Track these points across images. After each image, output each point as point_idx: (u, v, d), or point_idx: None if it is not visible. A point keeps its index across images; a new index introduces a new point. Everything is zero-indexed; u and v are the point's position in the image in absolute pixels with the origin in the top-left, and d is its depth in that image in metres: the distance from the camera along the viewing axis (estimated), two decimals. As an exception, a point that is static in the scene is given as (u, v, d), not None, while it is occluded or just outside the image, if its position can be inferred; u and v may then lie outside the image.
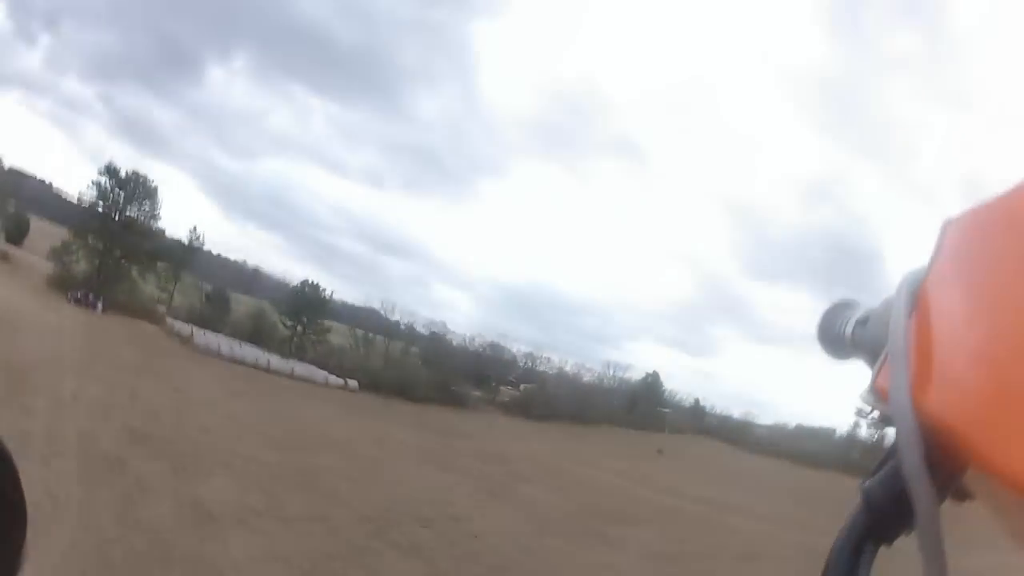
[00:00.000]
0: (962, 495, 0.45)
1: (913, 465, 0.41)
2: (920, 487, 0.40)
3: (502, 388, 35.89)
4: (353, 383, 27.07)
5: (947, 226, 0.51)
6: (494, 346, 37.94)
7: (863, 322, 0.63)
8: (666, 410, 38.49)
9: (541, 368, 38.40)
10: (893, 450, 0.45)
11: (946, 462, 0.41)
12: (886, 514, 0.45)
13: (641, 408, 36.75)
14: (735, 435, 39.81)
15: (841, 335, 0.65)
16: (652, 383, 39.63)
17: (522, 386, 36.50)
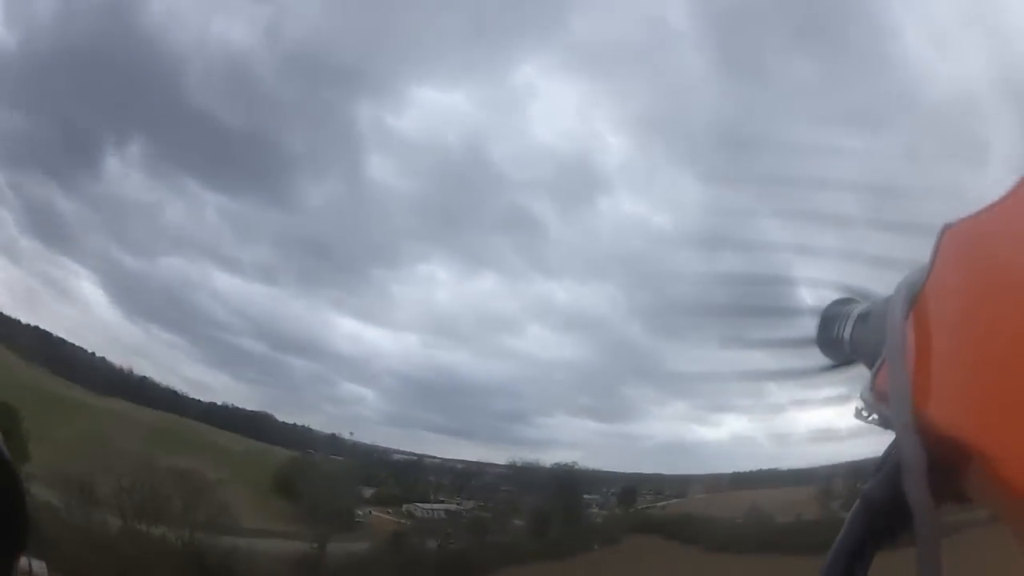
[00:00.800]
0: (961, 497, 0.44)
1: (912, 467, 0.41)
2: (918, 489, 0.41)
3: (375, 514, 26.04)
4: (40, 566, 14.76)
5: (946, 229, 0.50)
6: (368, 453, 29.15)
7: (864, 318, 0.61)
8: (592, 510, 28.96)
9: (438, 467, 30.26)
10: (891, 452, 0.46)
11: (945, 464, 0.41)
12: (885, 516, 0.46)
13: (557, 522, 26.21)
14: (684, 528, 30.03)
15: (839, 338, 0.63)
16: (568, 479, 29.01)
17: (405, 507, 27.12)
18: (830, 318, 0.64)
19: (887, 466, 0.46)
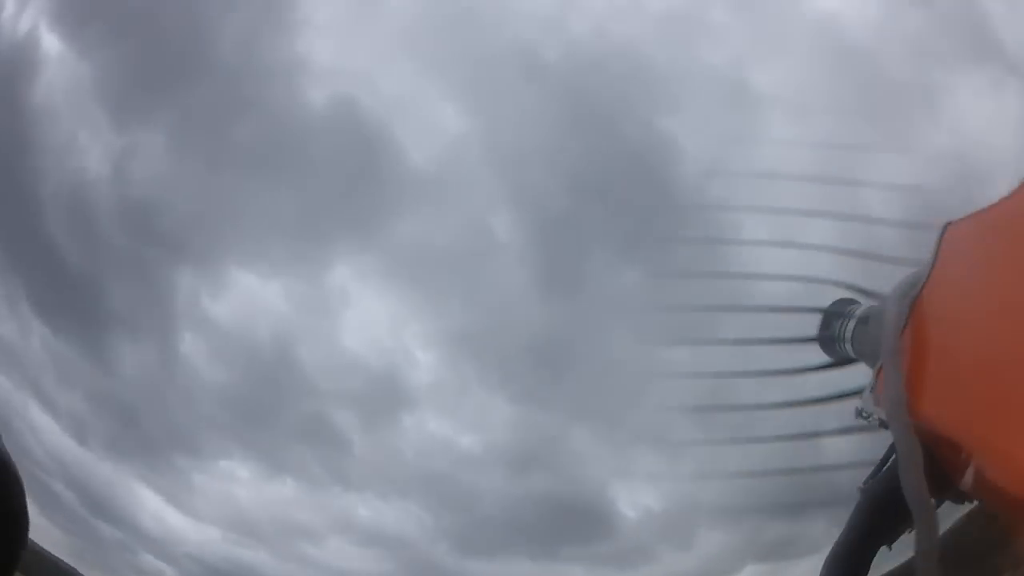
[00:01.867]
0: (960, 497, 0.45)
1: (909, 468, 0.41)
2: (916, 489, 0.41)
3: None
4: None
5: (947, 228, 0.50)
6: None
7: (864, 321, 0.63)
8: None
9: None
10: (891, 453, 0.47)
11: (943, 465, 0.42)
12: (885, 515, 0.46)
13: None
14: None
15: (840, 340, 0.66)
16: None
17: None
18: (832, 316, 0.65)
19: (886, 466, 0.45)
